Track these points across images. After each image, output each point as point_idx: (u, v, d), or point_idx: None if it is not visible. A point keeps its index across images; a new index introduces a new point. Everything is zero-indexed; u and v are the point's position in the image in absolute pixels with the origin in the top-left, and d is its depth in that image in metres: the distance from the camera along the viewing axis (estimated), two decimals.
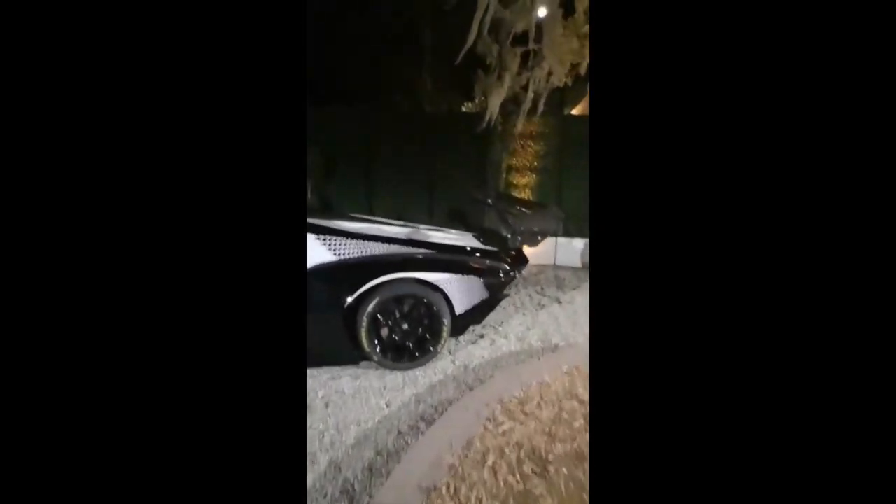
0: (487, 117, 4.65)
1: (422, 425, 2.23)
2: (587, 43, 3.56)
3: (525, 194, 5.65)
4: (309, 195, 5.45)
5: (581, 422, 2.10)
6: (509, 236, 3.13)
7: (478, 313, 2.92)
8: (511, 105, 5.27)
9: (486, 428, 2.07)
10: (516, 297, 4.21)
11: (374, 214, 3.62)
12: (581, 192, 5.35)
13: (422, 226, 3.37)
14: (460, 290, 2.79)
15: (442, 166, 5.82)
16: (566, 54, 3.63)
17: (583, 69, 3.86)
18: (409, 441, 2.11)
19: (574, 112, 8.04)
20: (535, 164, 5.64)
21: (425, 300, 2.71)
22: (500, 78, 3.99)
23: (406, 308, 2.74)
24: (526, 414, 2.17)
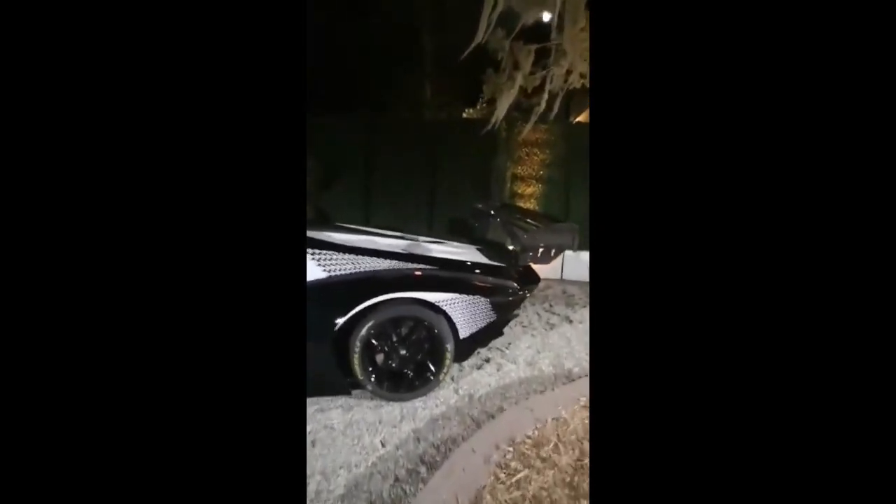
0: (494, 120, 4.34)
1: (422, 470, 1.94)
2: None
3: (531, 204, 5.40)
4: None
5: None
6: (518, 252, 2.85)
7: (484, 337, 2.64)
8: (515, 112, 5.05)
9: (496, 477, 1.78)
10: (524, 315, 3.93)
11: (369, 225, 3.33)
12: (588, 202, 5.10)
13: (421, 238, 3.10)
14: (465, 312, 2.51)
15: (443, 175, 5.58)
16: (587, 51, 3.35)
17: None
18: (408, 490, 1.82)
19: (580, 119, 7.83)
20: (541, 173, 5.39)
21: (426, 323, 2.43)
22: (510, 78, 3.70)
23: (404, 331, 2.46)
24: (542, 459, 1.88)
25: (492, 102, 4.31)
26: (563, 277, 5.28)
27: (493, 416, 2.31)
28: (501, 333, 2.75)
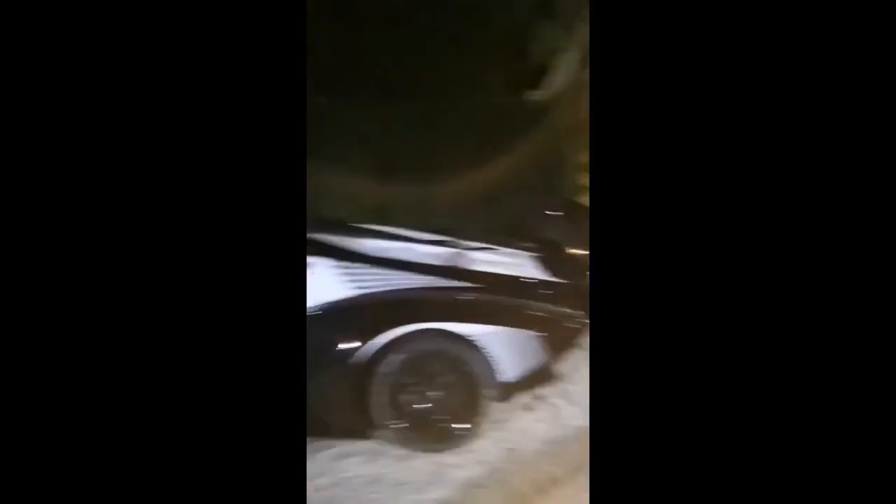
0: (550, 91, 3.31)
1: None
2: None
3: None
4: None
5: None
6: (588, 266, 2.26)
7: (530, 383, 2.12)
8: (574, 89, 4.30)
9: None
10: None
11: (422, 225, 2.76)
12: None
13: (465, 243, 2.58)
14: (509, 350, 2.00)
15: (501, 166, 4.98)
16: None
17: None
18: None
19: None
20: None
21: (459, 362, 1.96)
22: (568, 28, 2.55)
23: (433, 370, 2.01)
24: None
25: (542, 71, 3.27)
26: None
27: (542, 491, 1.79)
28: (556, 377, 2.21)
